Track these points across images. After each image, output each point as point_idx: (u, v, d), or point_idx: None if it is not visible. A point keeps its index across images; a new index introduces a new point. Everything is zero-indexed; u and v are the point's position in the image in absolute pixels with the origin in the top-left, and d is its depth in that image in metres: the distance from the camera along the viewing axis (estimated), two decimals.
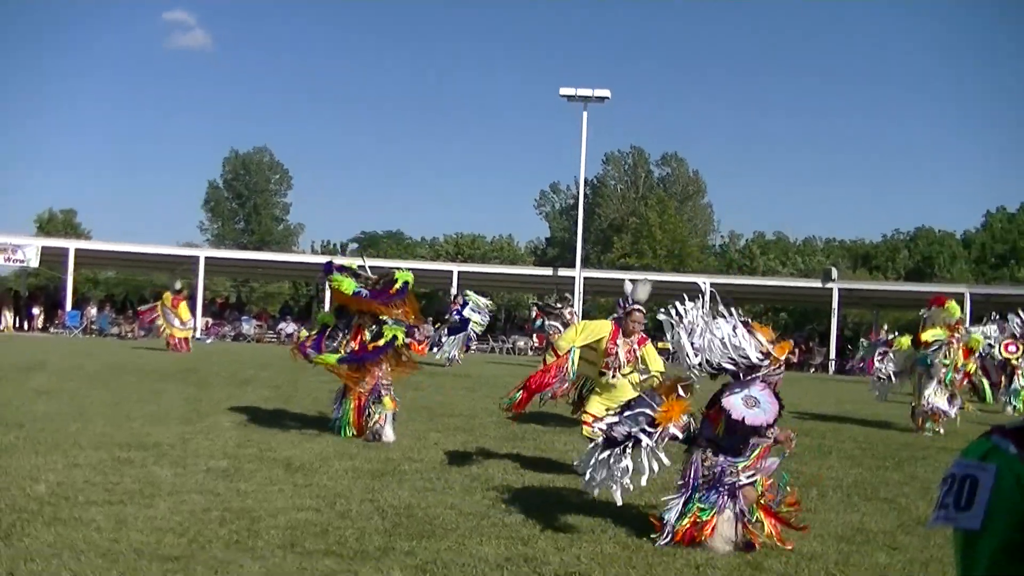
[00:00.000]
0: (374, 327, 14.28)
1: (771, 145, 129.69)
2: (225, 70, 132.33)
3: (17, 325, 50.58)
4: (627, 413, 8.78)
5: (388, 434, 13.94)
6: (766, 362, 8.47)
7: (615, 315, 12.54)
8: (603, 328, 11.87)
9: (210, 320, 53.69)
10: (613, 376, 11.63)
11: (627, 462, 8.54)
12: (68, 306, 51.60)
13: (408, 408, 17.22)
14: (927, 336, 18.61)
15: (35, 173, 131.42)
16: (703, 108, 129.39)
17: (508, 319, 64.44)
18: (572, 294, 43.78)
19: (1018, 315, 23.84)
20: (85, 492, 9.29)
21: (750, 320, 8.92)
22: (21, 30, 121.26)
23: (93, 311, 52.71)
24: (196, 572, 6.86)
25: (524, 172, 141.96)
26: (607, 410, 9.90)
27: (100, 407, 16.12)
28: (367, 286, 14.40)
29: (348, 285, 14.23)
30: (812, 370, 49.47)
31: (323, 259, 52.79)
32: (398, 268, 15.12)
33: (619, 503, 8.71)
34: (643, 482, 8.60)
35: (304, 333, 15.24)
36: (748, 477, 8.33)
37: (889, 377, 19.94)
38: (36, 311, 52.39)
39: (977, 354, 19.33)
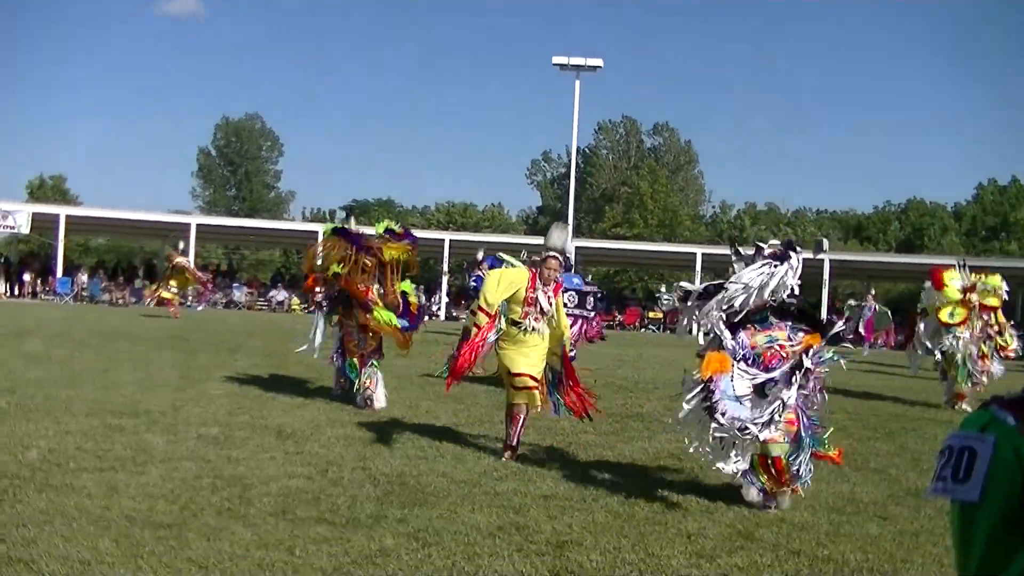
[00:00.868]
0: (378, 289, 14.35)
1: (763, 116, 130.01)
2: (216, 37, 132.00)
3: (8, 292, 50.50)
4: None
5: (380, 399, 14.01)
6: None
7: (531, 261, 12.16)
8: (521, 276, 11.01)
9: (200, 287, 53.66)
10: (531, 327, 10.69)
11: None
12: (59, 273, 51.54)
13: (400, 376, 17.24)
14: (944, 316, 18.06)
15: (26, 140, 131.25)
16: (695, 79, 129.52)
17: None
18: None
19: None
20: (76, 459, 9.28)
21: None
22: None
23: (84, 278, 52.65)
24: (188, 539, 6.85)
25: (516, 141, 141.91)
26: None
27: (91, 374, 16.12)
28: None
29: (400, 248, 14.55)
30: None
31: (313, 226, 52.71)
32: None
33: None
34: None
35: (297, 301, 15.29)
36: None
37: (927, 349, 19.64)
38: (27, 278, 52.29)
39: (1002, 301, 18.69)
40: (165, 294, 35.88)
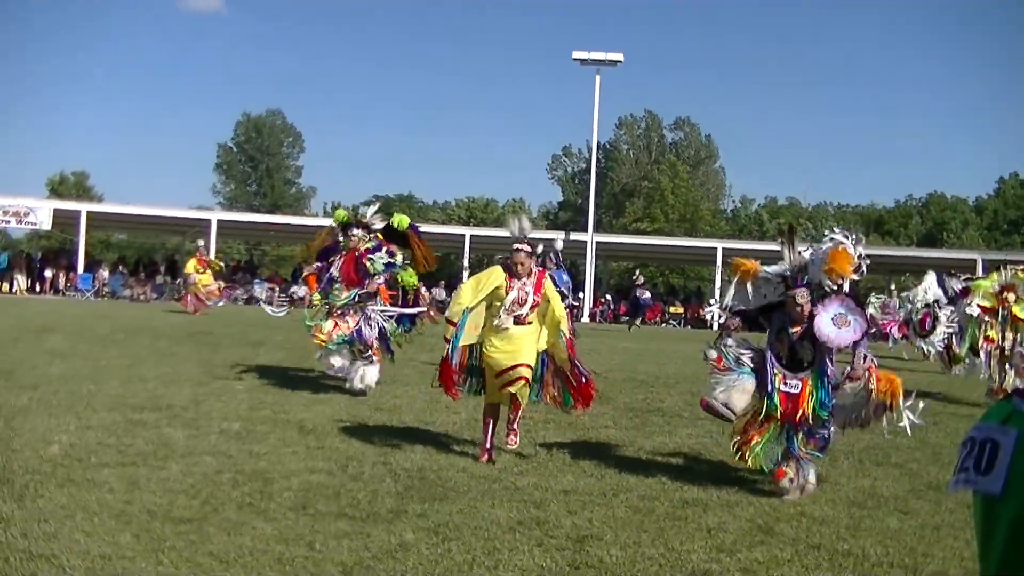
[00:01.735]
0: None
1: (784, 111, 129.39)
2: (237, 32, 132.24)
3: (29, 288, 50.69)
4: None
5: (365, 380, 14.62)
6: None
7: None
8: (497, 275, 10.54)
9: (221, 283, 53.76)
10: (503, 320, 10.33)
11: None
12: (80, 269, 51.72)
13: (421, 371, 17.25)
14: (979, 296, 17.86)
15: (48, 136, 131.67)
16: (716, 73, 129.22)
17: None
18: (584, 257, 43.79)
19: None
20: (98, 454, 9.32)
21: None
22: None
23: (105, 274, 52.82)
24: (209, 534, 6.88)
25: (537, 136, 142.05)
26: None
27: (113, 369, 16.17)
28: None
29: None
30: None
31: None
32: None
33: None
34: None
35: (317, 297, 15.36)
36: None
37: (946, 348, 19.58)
38: (48, 274, 52.48)
39: None
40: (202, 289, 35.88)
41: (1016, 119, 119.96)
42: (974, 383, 18.58)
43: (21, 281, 49.94)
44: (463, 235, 56.42)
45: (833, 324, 8.88)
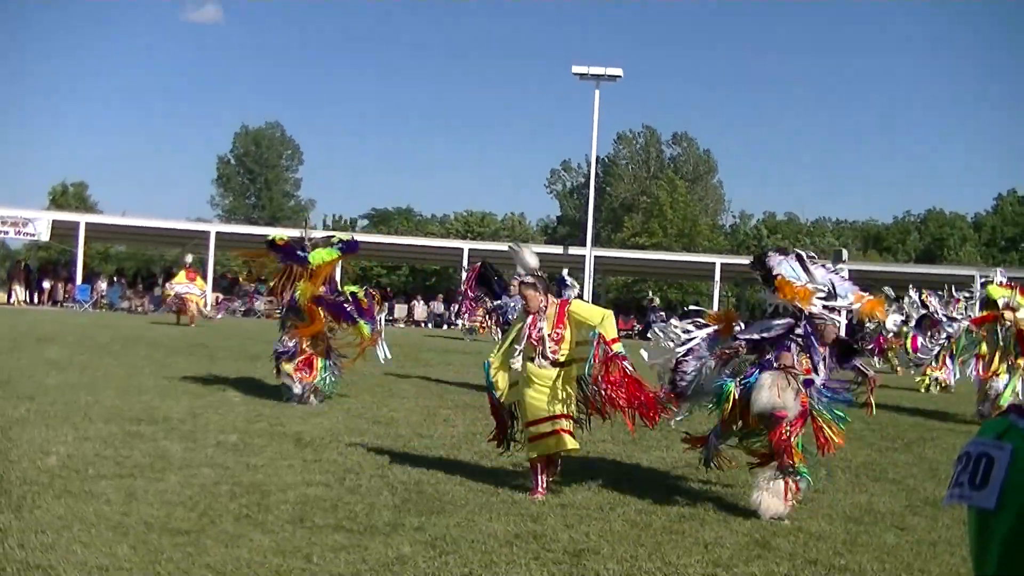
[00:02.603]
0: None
1: (782, 126, 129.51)
2: (236, 45, 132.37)
3: (28, 299, 50.64)
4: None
5: (315, 400, 14.97)
6: None
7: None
8: (520, 316, 10.00)
9: (220, 295, 53.68)
10: (515, 360, 9.62)
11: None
12: (79, 280, 51.68)
13: (418, 385, 17.27)
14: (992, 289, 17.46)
15: (48, 147, 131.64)
16: (715, 88, 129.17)
17: None
18: (582, 272, 43.85)
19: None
20: (95, 465, 9.33)
21: None
22: (34, 2, 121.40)
23: (103, 285, 52.78)
24: (206, 546, 6.88)
25: (536, 150, 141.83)
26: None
27: (111, 380, 16.17)
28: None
29: (328, 252, 15.47)
30: None
31: (331, 235, 53.00)
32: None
33: None
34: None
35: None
36: None
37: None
38: (47, 285, 52.43)
39: None
40: (197, 300, 36.00)
41: (1015, 136, 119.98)
42: (968, 400, 18.58)
43: (19, 292, 49.88)
44: (461, 249, 56.38)
45: None
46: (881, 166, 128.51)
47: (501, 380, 9.76)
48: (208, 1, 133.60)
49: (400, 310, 55.27)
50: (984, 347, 17.33)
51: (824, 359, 9.28)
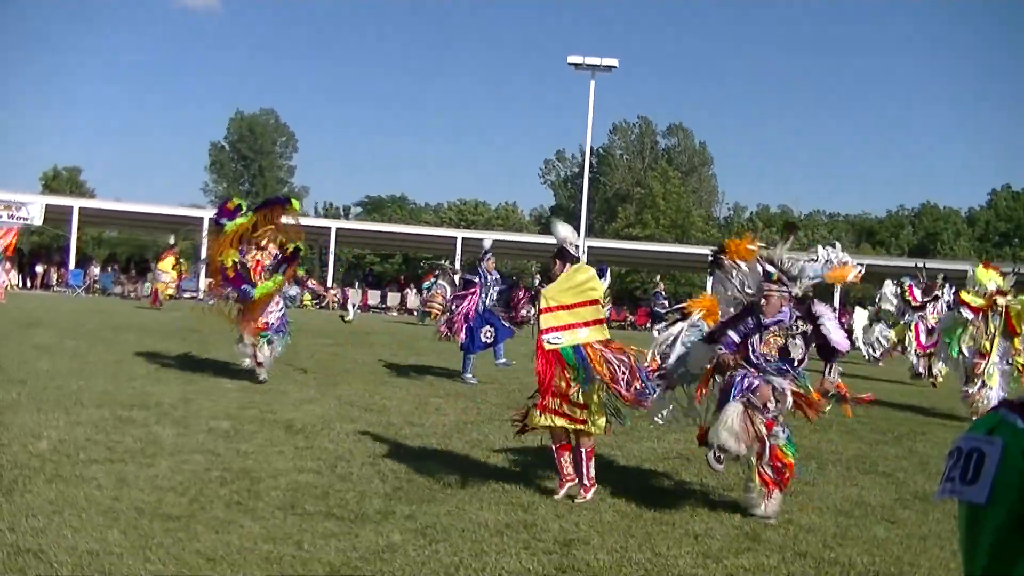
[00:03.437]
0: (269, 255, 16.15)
1: (777, 119, 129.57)
2: (231, 31, 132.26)
3: (20, 283, 50.56)
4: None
5: (263, 371, 15.66)
6: None
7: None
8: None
9: (211, 280, 53.51)
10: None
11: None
12: (71, 265, 51.62)
13: (410, 373, 17.28)
14: (966, 296, 17.13)
15: (41, 132, 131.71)
16: (711, 80, 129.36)
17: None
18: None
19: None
20: (87, 450, 9.32)
21: None
22: None
23: (96, 270, 52.73)
24: (196, 531, 6.88)
25: (530, 140, 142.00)
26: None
27: (102, 365, 16.16)
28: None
29: (242, 220, 15.97)
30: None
31: (326, 222, 52.76)
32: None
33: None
34: None
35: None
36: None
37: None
38: (39, 269, 52.38)
39: None
40: (161, 288, 36.42)
41: (1009, 131, 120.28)
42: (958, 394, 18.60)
43: (12, 276, 49.83)
44: (455, 237, 56.39)
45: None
46: (875, 160, 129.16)
47: None
48: None
49: (392, 298, 55.23)
50: (971, 332, 17.16)
51: (800, 348, 9.06)
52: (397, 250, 77.88)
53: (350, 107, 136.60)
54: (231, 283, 15.90)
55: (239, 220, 15.87)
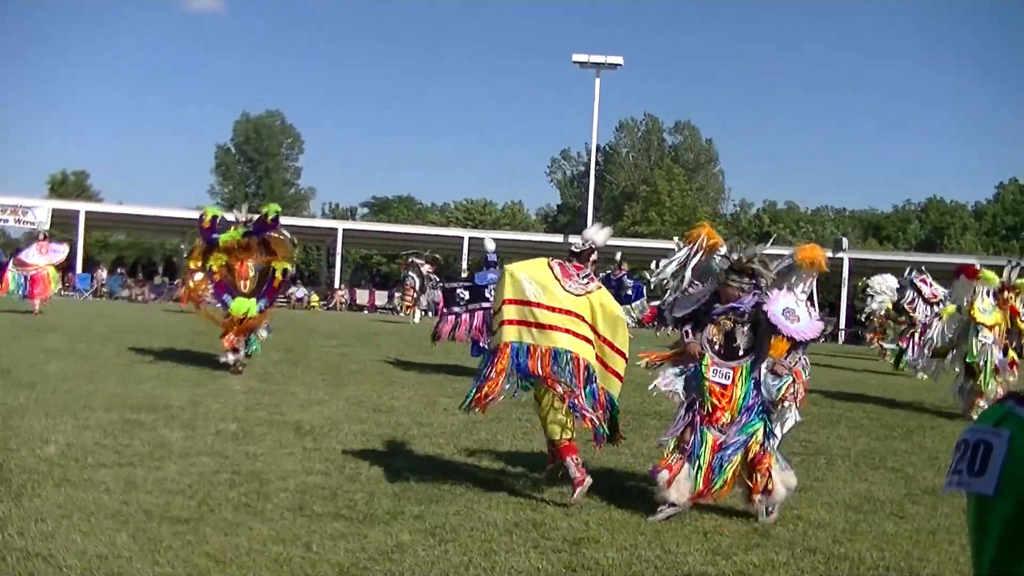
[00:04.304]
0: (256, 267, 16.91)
1: (784, 115, 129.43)
2: (236, 33, 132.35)
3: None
4: None
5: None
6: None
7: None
8: None
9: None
10: None
11: None
12: (79, 269, 51.69)
13: (418, 373, 17.27)
14: (977, 314, 16.56)
15: (48, 135, 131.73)
16: (717, 77, 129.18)
17: None
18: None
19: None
20: (95, 454, 9.32)
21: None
22: None
23: (103, 274, 52.80)
24: (205, 534, 6.88)
25: (536, 139, 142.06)
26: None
27: (110, 368, 16.18)
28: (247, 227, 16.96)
29: (234, 233, 16.84)
30: (822, 339, 49.40)
31: (333, 223, 52.73)
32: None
33: None
34: None
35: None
36: None
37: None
38: None
39: None
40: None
41: (1015, 125, 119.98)
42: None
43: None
44: (462, 237, 56.39)
45: (783, 315, 8.62)
46: (882, 155, 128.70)
47: None
48: None
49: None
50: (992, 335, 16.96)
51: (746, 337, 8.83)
52: (403, 250, 77.93)
53: (355, 108, 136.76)
54: (215, 289, 16.78)
55: (232, 233, 16.79)
